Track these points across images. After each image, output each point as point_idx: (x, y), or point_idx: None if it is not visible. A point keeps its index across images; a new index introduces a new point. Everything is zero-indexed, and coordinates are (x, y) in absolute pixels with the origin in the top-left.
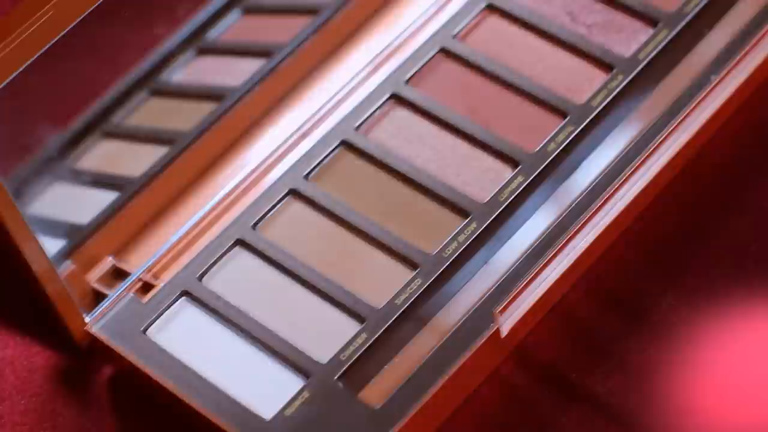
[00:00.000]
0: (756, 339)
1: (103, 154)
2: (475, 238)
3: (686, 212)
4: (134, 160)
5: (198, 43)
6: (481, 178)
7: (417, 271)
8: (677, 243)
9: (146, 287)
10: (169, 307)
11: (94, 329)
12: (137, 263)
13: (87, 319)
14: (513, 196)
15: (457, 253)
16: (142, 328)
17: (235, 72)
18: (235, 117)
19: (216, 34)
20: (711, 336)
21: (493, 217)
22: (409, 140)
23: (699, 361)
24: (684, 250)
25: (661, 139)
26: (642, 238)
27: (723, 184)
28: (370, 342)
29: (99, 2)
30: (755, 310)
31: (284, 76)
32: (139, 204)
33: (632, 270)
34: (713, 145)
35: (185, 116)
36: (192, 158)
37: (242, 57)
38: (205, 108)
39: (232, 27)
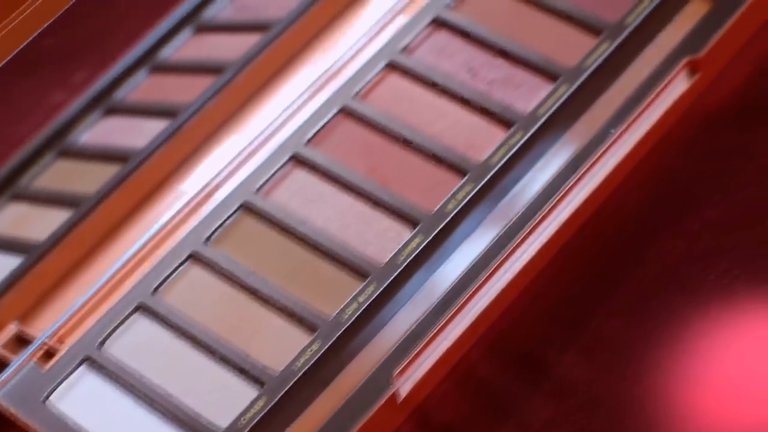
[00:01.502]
0: (657, 400)
1: (10, 218)
2: (374, 300)
3: (587, 267)
4: (40, 223)
5: (106, 103)
6: (381, 238)
7: (315, 334)
8: (578, 298)
9: (49, 353)
10: (70, 374)
11: None
12: (43, 328)
13: None
14: (412, 257)
15: (355, 316)
16: (43, 396)
17: (140, 132)
18: (139, 179)
19: (123, 93)
20: (611, 392)
21: (391, 279)
22: (310, 202)
23: (600, 418)
24: (585, 305)
25: (561, 195)
26: (543, 294)
27: (624, 238)
28: (269, 407)
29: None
30: (657, 365)
31: (187, 137)
32: (45, 268)
33: (534, 326)
34: (614, 199)
35: (91, 178)
36: (97, 220)
37: (148, 117)
38: (110, 170)
39: (138, 87)
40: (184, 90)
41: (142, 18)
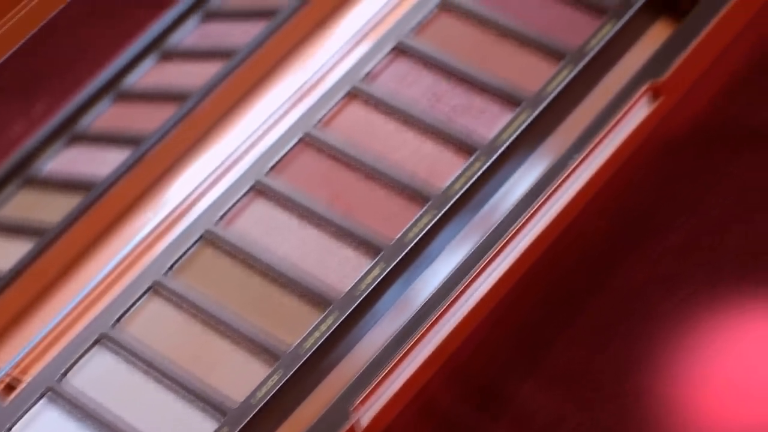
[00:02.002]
0: (622, 427)
1: None
2: (334, 329)
3: (550, 293)
4: (2, 253)
5: (70, 132)
6: (342, 268)
7: (276, 365)
8: (540, 324)
9: (11, 386)
10: (32, 406)
11: None
12: (5, 360)
13: None
14: (372, 286)
15: (316, 346)
16: (5, 429)
17: (103, 161)
18: (101, 209)
19: (87, 122)
20: (572, 420)
21: (352, 308)
22: (271, 231)
23: None
24: (547, 331)
25: (523, 221)
26: (505, 321)
27: (587, 263)
28: None
29: None
30: (619, 392)
31: (150, 167)
32: (7, 299)
33: (495, 354)
34: (577, 225)
35: (54, 208)
36: (60, 251)
37: (112, 146)
38: (74, 199)
39: (103, 115)
40: (148, 118)
41: (106, 46)
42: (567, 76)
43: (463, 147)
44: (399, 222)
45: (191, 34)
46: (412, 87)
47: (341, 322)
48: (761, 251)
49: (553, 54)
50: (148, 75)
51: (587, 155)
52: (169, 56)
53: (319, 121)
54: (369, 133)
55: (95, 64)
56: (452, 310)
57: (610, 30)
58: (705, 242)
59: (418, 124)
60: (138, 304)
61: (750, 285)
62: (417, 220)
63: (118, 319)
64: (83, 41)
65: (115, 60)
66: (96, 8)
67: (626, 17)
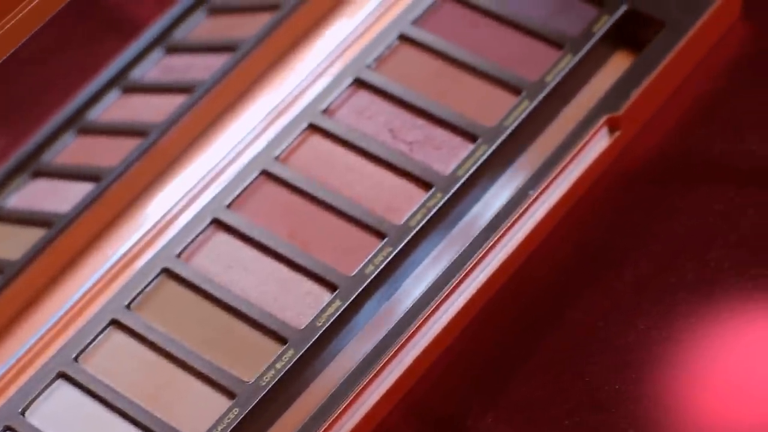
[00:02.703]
0: None
1: None
2: (292, 365)
3: (509, 327)
4: None
5: (33, 166)
6: (300, 303)
7: (234, 400)
8: (500, 358)
9: None
10: None
11: None
12: None
13: None
14: (330, 321)
15: (273, 382)
16: None
17: (66, 196)
18: (62, 244)
19: (50, 156)
20: None
21: (310, 344)
22: (230, 266)
23: None
24: (506, 365)
25: (482, 254)
26: (465, 355)
27: (545, 297)
28: None
29: None
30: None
31: (111, 202)
32: None
33: (454, 388)
34: (536, 258)
35: (16, 243)
36: (20, 287)
37: (74, 180)
38: (35, 234)
39: (66, 149)
40: (111, 152)
41: (68, 80)
42: (525, 109)
43: (421, 182)
44: (357, 257)
45: (154, 67)
46: (371, 121)
47: (298, 357)
48: (716, 280)
49: (512, 87)
50: (112, 108)
51: (546, 188)
52: (132, 90)
53: (279, 155)
54: (328, 168)
55: (58, 99)
56: (411, 343)
57: (568, 62)
58: (660, 275)
59: (377, 158)
60: (98, 339)
61: (700, 319)
62: (374, 255)
63: (78, 355)
64: (45, 76)
65: (79, 94)
66: (58, 43)
67: (585, 50)
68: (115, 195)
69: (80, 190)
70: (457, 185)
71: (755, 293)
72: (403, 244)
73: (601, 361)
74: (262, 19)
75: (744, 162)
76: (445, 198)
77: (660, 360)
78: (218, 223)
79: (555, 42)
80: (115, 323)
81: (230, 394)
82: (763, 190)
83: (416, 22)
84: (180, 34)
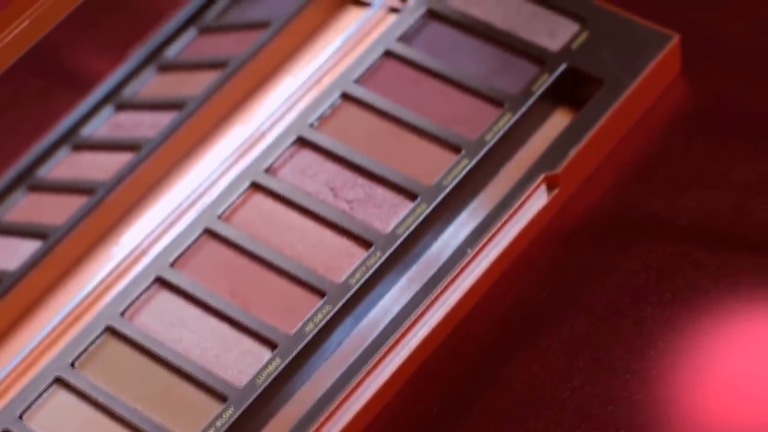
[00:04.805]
0: None
1: None
2: (231, 424)
3: (443, 389)
4: None
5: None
6: (241, 361)
7: None
8: (435, 420)
9: None
10: None
11: None
12: None
13: None
14: (270, 379)
15: None
16: None
17: (14, 254)
18: (8, 303)
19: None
20: None
21: (249, 402)
22: (173, 324)
23: None
24: (441, 428)
25: (417, 316)
26: (399, 418)
27: (480, 359)
28: None
29: None
30: None
31: (57, 260)
32: None
33: None
34: (472, 319)
35: None
36: None
37: (22, 238)
38: None
39: (15, 206)
40: (59, 210)
41: (19, 137)
42: (464, 168)
43: (361, 240)
44: (297, 315)
45: (103, 124)
46: (313, 180)
47: (237, 417)
48: (649, 343)
49: (452, 146)
50: (61, 166)
51: (482, 248)
52: (81, 147)
53: (222, 214)
54: (270, 226)
55: (8, 155)
56: (347, 404)
57: (507, 121)
58: (594, 335)
59: (318, 216)
60: (42, 397)
61: (634, 377)
62: (314, 314)
63: (22, 414)
64: None
65: (30, 151)
66: (10, 99)
67: (524, 108)
68: (62, 253)
69: (28, 247)
70: (396, 244)
71: (689, 352)
72: (342, 302)
73: (533, 424)
74: (210, 77)
75: (681, 219)
76: (384, 256)
77: (595, 420)
78: (161, 282)
79: (495, 100)
80: (59, 381)
81: None
82: (699, 247)
83: (359, 80)
84: (129, 91)
